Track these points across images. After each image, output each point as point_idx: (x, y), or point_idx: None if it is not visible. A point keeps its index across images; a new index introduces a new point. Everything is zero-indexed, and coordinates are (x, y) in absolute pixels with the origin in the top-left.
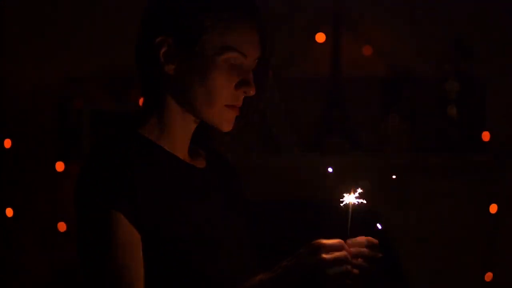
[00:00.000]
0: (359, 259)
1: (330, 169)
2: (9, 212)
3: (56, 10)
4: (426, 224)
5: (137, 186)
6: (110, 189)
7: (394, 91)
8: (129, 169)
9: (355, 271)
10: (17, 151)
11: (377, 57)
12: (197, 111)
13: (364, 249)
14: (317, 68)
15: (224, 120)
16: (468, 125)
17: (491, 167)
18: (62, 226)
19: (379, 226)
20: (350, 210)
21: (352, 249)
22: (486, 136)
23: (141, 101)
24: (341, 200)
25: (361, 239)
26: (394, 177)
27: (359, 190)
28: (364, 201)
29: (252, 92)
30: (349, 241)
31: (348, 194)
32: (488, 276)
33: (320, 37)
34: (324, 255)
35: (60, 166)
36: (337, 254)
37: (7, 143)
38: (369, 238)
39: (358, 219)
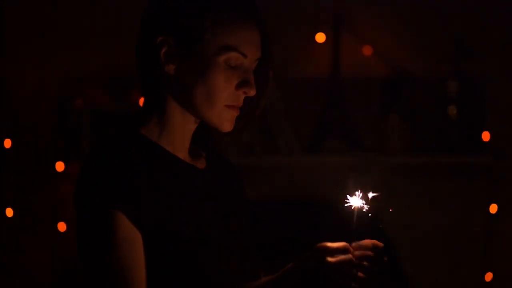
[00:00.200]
0: (364, 263)
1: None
2: (9, 212)
3: (56, 10)
4: (426, 224)
5: (138, 186)
6: (110, 188)
7: (394, 91)
8: (129, 168)
9: (360, 274)
10: (17, 151)
11: (377, 57)
12: (197, 111)
13: (369, 252)
14: (317, 68)
15: (224, 120)
16: (468, 125)
17: (491, 167)
18: (62, 226)
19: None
20: (355, 213)
21: (357, 252)
22: (486, 136)
23: (141, 101)
24: (346, 202)
25: (367, 242)
26: (391, 210)
27: (369, 194)
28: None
29: (252, 92)
30: (354, 244)
31: (353, 197)
32: (488, 276)
33: (320, 37)
34: (329, 258)
35: (60, 166)
36: (342, 257)
37: (7, 143)
38: (375, 241)
39: (362, 222)
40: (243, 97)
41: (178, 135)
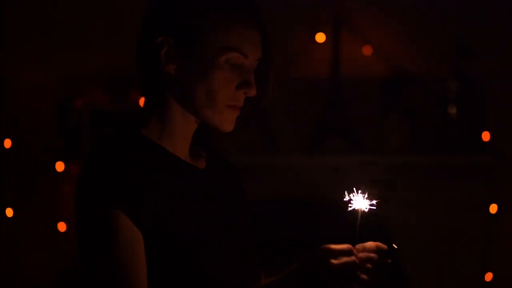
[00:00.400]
0: (368, 265)
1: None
2: (9, 212)
3: (56, 10)
4: (426, 224)
5: (138, 186)
6: (111, 189)
7: (394, 91)
8: (130, 169)
9: (364, 276)
10: (17, 151)
11: (377, 57)
12: (198, 111)
13: (373, 255)
14: (317, 68)
15: (225, 120)
16: (468, 125)
17: (491, 167)
18: (62, 226)
19: (395, 246)
20: (359, 215)
21: (361, 255)
22: (486, 136)
23: (141, 101)
24: (349, 204)
25: (370, 244)
26: (395, 246)
27: (371, 198)
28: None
29: (253, 92)
30: (358, 246)
31: (357, 198)
32: (488, 276)
33: (320, 37)
34: (332, 260)
35: (60, 166)
36: (345, 259)
37: (7, 143)
38: (378, 243)
39: (366, 223)
40: (243, 98)
41: (179, 135)
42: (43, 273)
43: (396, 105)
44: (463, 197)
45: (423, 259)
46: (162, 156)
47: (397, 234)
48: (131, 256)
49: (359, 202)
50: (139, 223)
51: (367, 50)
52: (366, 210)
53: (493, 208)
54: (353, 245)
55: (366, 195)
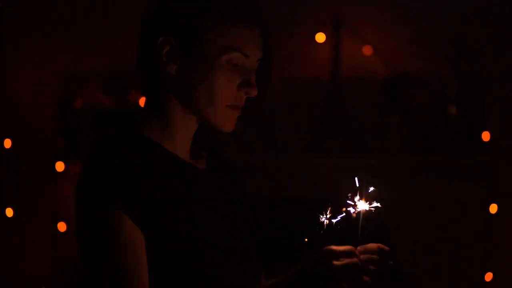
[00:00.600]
0: (370, 266)
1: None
2: (9, 212)
3: (56, 10)
4: (426, 224)
5: (139, 186)
6: (112, 189)
7: (394, 91)
8: (130, 169)
9: (366, 278)
10: (17, 151)
11: (377, 57)
12: (198, 111)
13: (375, 256)
14: (317, 68)
15: (226, 120)
16: (468, 125)
17: (491, 167)
18: (62, 226)
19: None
20: (361, 216)
21: (363, 256)
22: (486, 136)
23: (141, 101)
24: (351, 205)
25: (372, 246)
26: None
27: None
28: (378, 205)
29: (254, 92)
30: (360, 247)
31: (359, 200)
32: (488, 276)
33: (320, 37)
34: (334, 262)
35: (60, 166)
36: (347, 260)
37: (7, 143)
38: (380, 245)
39: (367, 225)
40: (244, 98)
41: (179, 135)
42: (43, 273)
43: (396, 105)
44: (463, 197)
45: (423, 259)
46: (162, 156)
47: (397, 234)
48: (132, 256)
49: (361, 203)
50: (140, 223)
51: (367, 50)
52: (368, 212)
53: (493, 208)
54: (355, 246)
55: (367, 196)
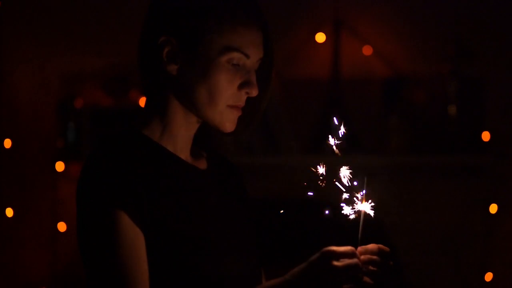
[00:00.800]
0: (370, 267)
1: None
2: (9, 212)
3: (56, 10)
4: (426, 224)
5: (140, 186)
6: (112, 188)
7: (394, 91)
8: (131, 168)
9: (366, 278)
10: (17, 151)
11: (377, 57)
12: (199, 112)
13: (375, 257)
14: (317, 68)
15: (226, 120)
16: (468, 125)
17: (491, 167)
18: (62, 226)
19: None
20: (361, 217)
21: (363, 257)
22: (486, 136)
23: (141, 101)
24: (351, 206)
25: (373, 246)
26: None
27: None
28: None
29: (254, 92)
30: (360, 248)
31: (359, 201)
32: (488, 276)
33: (320, 37)
34: (335, 262)
35: (60, 166)
36: (348, 261)
37: (7, 143)
38: (381, 245)
39: (368, 225)
40: (245, 98)
41: (180, 135)
42: (43, 273)
43: (396, 105)
44: (463, 197)
45: (423, 259)
46: (163, 156)
47: (397, 234)
48: (133, 256)
49: (361, 204)
50: (141, 223)
51: (367, 50)
52: (368, 212)
53: (493, 208)
54: (355, 247)
55: (367, 197)
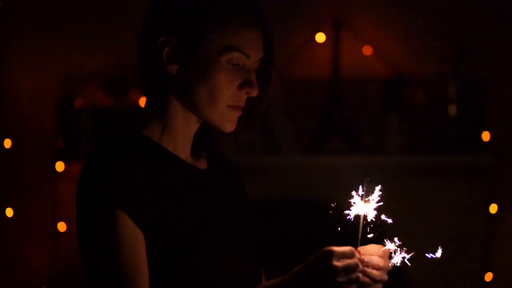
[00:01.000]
0: (370, 267)
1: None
2: (9, 212)
3: (56, 10)
4: (425, 224)
5: (140, 186)
6: (113, 188)
7: (394, 91)
8: (131, 168)
9: (366, 279)
10: (17, 151)
11: (377, 57)
12: (199, 111)
13: (375, 257)
14: (317, 68)
15: (226, 120)
16: (468, 125)
17: (491, 167)
18: (62, 226)
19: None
20: (362, 217)
21: (363, 257)
22: (486, 136)
23: (141, 101)
24: (350, 206)
25: (373, 247)
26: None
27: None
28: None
29: (255, 92)
30: (361, 249)
31: (359, 201)
32: (488, 276)
33: (320, 37)
34: (335, 263)
35: (60, 166)
36: (348, 261)
37: (7, 143)
38: (380, 246)
39: (368, 226)
40: (245, 97)
41: (180, 135)
42: (43, 273)
43: (396, 105)
44: (463, 197)
45: (423, 259)
46: (163, 156)
47: (396, 235)
48: (133, 256)
49: (361, 205)
50: (141, 223)
51: (367, 50)
52: (368, 213)
53: (493, 208)
54: (355, 247)
55: (367, 198)
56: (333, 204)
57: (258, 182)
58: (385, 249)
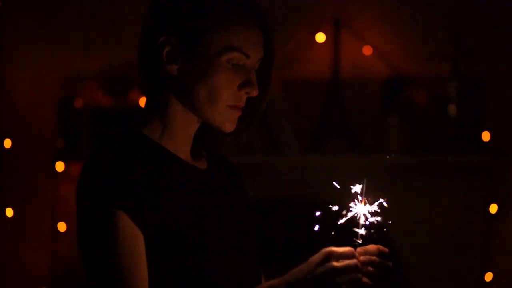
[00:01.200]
0: (369, 268)
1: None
2: (9, 212)
3: (56, 10)
4: (425, 224)
5: (140, 186)
6: (112, 188)
7: (394, 91)
8: (131, 168)
9: (365, 279)
10: (17, 151)
11: (377, 57)
12: (199, 111)
13: (375, 258)
14: (317, 68)
15: (226, 120)
16: (468, 125)
17: (491, 167)
18: (62, 226)
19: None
20: (361, 218)
21: (363, 257)
22: (486, 136)
23: (141, 101)
24: (351, 206)
25: (372, 247)
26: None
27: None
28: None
29: (255, 92)
30: (360, 249)
31: (359, 202)
32: (488, 276)
33: (320, 37)
34: (334, 263)
35: (60, 166)
36: (347, 262)
37: (7, 143)
38: (380, 246)
39: (367, 226)
40: (245, 98)
41: (180, 135)
42: (43, 273)
43: (396, 105)
44: (463, 197)
45: (423, 260)
46: (163, 156)
47: (396, 235)
48: (132, 256)
49: (361, 205)
50: (140, 223)
51: (367, 50)
52: (368, 213)
53: (493, 208)
54: (355, 247)
55: (367, 198)
56: (331, 206)
57: (258, 182)
58: (385, 249)
